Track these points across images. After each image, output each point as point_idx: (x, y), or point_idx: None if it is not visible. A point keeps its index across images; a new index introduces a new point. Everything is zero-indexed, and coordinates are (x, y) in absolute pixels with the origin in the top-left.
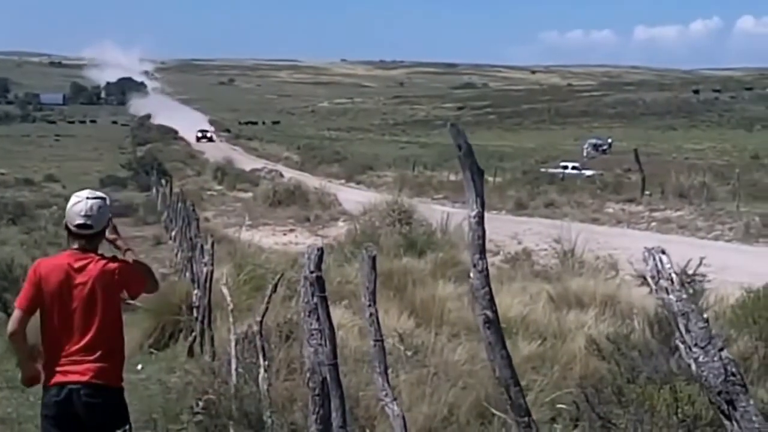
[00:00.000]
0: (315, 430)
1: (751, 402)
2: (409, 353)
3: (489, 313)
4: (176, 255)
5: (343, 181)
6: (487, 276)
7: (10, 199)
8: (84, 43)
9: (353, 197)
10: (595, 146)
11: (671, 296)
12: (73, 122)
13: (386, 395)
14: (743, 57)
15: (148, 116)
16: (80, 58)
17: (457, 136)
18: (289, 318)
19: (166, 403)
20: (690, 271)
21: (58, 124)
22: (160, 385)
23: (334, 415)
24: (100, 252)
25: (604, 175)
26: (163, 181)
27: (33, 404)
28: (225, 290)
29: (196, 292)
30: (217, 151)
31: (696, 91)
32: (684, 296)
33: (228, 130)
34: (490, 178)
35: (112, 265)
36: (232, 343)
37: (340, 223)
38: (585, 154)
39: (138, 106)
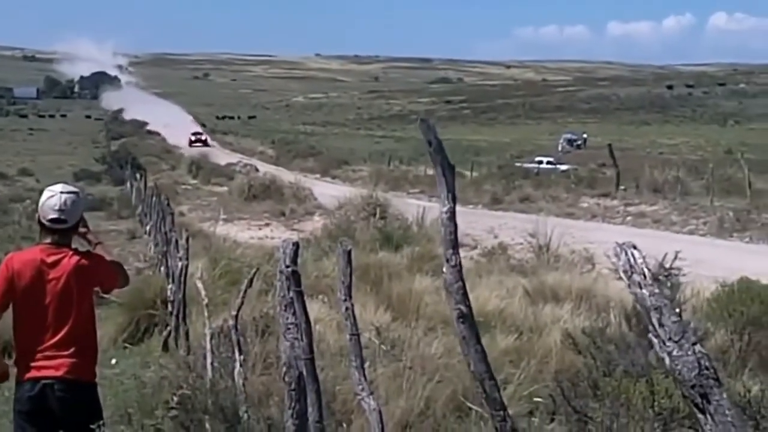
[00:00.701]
0: (291, 425)
1: (725, 396)
2: (385, 347)
3: (463, 307)
4: (150, 249)
5: (318, 175)
6: (461, 271)
7: None
8: (57, 37)
9: (328, 191)
10: (570, 141)
11: (644, 291)
12: (43, 116)
13: (363, 389)
14: (716, 53)
15: (121, 110)
16: (54, 52)
17: (428, 131)
18: (265, 312)
19: (140, 397)
20: (667, 265)
21: (30, 118)
22: (135, 379)
23: (310, 409)
24: (74, 246)
25: (579, 169)
26: (138, 175)
27: (8, 399)
28: (200, 284)
29: (170, 286)
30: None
31: (669, 87)
32: (657, 291)
33: (204, 125)
34: (467, 173)
35: (87, 260)
36: (208, 338)
37: (316, 218)
38: (560, 149)
39: (110, 99)
